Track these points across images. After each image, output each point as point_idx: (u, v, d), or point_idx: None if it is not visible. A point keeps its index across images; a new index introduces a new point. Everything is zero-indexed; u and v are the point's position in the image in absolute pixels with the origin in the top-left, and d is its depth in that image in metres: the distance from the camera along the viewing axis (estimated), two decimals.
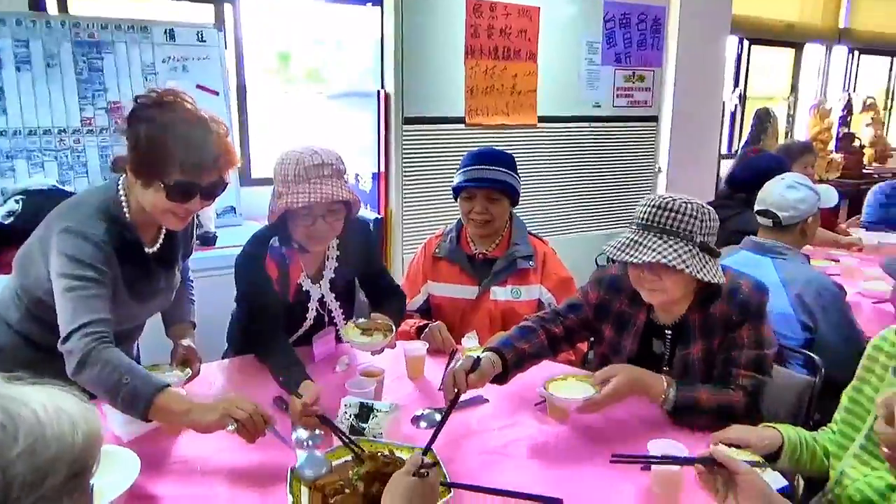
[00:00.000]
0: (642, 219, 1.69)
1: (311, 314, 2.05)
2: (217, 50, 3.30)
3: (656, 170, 4.17)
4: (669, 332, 1.79)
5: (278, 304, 1.96)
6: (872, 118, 6.24)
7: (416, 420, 1.67)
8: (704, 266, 1.62)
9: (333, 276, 2.07)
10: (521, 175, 2.28)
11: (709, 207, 1.70)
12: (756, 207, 2.42)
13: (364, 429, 1.49)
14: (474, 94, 3.30)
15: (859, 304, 2.67)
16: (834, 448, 1.59)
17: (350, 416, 1.52)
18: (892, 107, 6.92)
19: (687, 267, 1.59)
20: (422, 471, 1.12)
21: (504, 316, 2.23)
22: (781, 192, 2.35)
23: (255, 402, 1.42)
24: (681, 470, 1.37)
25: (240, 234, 3.05)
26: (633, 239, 1.67)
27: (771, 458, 1.52)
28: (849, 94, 6.20)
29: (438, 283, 2.32)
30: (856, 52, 6.37)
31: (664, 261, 1.59)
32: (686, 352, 1.75)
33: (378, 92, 3.19)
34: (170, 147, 1.54)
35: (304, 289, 2.02)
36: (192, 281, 2.08)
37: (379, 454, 1.37)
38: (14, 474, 0.54)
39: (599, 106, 3.74)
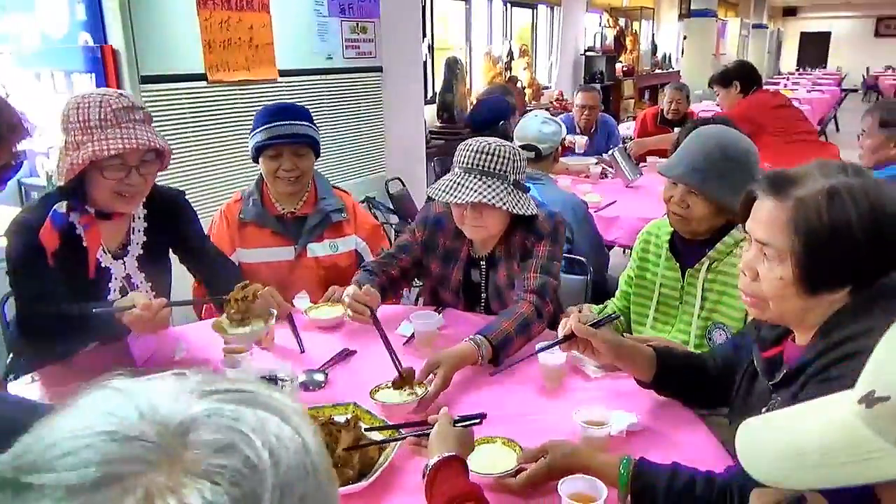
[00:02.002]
0: (464, 162, 1.85)
1: (115, 297, 1.77)
2: None
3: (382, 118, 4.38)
4: (483, 262, 2.01)
5: (59, 284, 1.62)
6: (527, 63, 7.33)
7: (301, 385, 1.64)
8: (519, 201, 1.85)
9: (142, 251, 1.83)
10: None
11: (518, 149, 1.94)
12: (518, 143, 2.78)
13: None
14: (213, 49, 3.07)
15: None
16: (635, 325, 2.02)
17: None
18: (536, 51, 8.18)
19: (504, 204, 1.80)
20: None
21: (326, 271, 2.23)
22: (538, 128, 2.74)
23: None
24: (564, 364, 1.62)
25: None
26: (455, 181, 1.83)
27: None
28: (509, 43, 7.16)
29: (250, 248, 2.20)
30: (509, 5, 7.36)
31: (485, 200, 1.78)
32: (495, 278, 1.99)
33: (100, 48, 2.77)
34: None
35: (103, 265, 1.75)
36: None
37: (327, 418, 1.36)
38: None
39: (332, 58, 3.77)
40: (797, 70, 20.15)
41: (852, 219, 1.05)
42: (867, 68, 19.52)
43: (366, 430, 1.34)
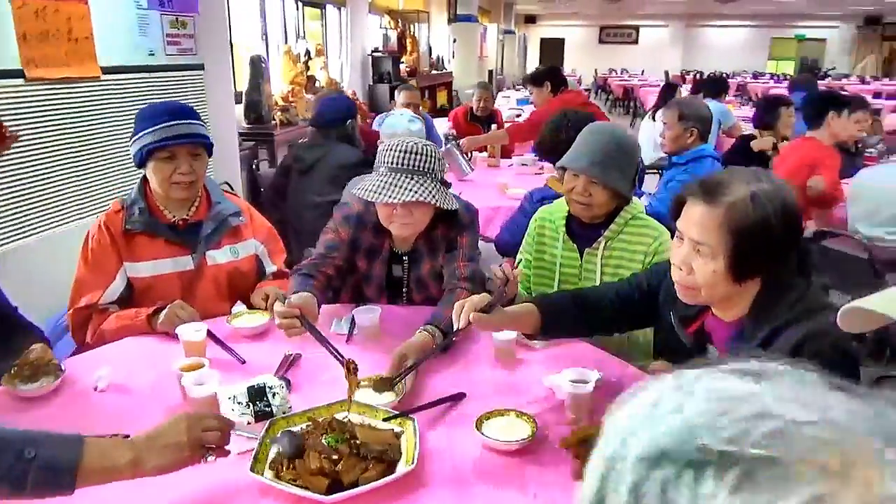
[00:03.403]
0: (391, 162, 1.89)
1: None
2: None
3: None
4: (406, 257, 2.08)
5: None
6: (324, 62, 7.30)
7: None
8: (446, 197, 1.94)
9: None
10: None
11: (438, 148, 2.02)
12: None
13: (272, 409, 1.38)
14: (28, 41, 2.67)
15: None
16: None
17: (246, 404, 1.37)
18: (327, 51, 8.17)
19: (437, 200, 1.88)
20: None
21: (230, 278, 2.12)
22: (406, 126, 2.85)
23: (211, 412, 1.17)
24: (514, 339, 1.76)
25: None
26: (386, 181, 1.86)
27: None
28: (305, 41, 7.07)
29: (141, 262, 2.01)
30: (300, 4, 7.26)
31: (421, 198, 1.84)
32: (419, 272, 2.08)
33: None
34: None
35: None
36: None
37: (328, 419, 1.34)
38: None
39: (154, 55, 3.47)
40: None
41: (771, 216, 1.29)
42: (595, 70, 22.43)
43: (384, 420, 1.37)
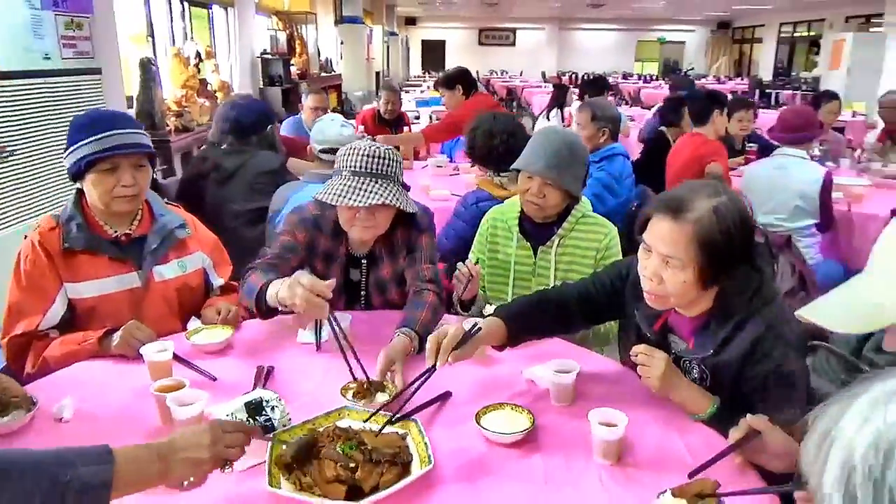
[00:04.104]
0: (355, 166, 1.89)
1: None
2: None
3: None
4: (364, 260, 2.09)
5: None
6: (215, 65, 7.03)
7: None
8: (407, 200, 1.96)
9: None
10: None
11: (396, 150, 2.03)
12: (319, 147, 2.83)
13: (274, 423, 1.35)
14: None
15: None
16: (495, 302, 2.29)
17: (246, 420, 1.33)
18: (216, 53, 7.86)
19: (401, 203, 1.90)
20: None
21: (179, 294, 2.03)
22: (338, 131, 2.84)
23: (233, 423, 1.14)
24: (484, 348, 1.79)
25: None
26: (350, 185, 1.86)
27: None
28: (195, 43, 6.77)
29: (82, 282, 1.88)
30: (187, 4, 6.93)
31: (387, 201, 1.85)
32: (378, 275, 2.09)
33: None
34: None
35: None
36: None
37: (331, 428, 1.34)
38: None
39: (50, 58, 3.23)
40: (424, 73, 22.74)
41: (732, 228, 1.41)
42: (477, 72, 22.94)
43: (388, 422, 1.39)
